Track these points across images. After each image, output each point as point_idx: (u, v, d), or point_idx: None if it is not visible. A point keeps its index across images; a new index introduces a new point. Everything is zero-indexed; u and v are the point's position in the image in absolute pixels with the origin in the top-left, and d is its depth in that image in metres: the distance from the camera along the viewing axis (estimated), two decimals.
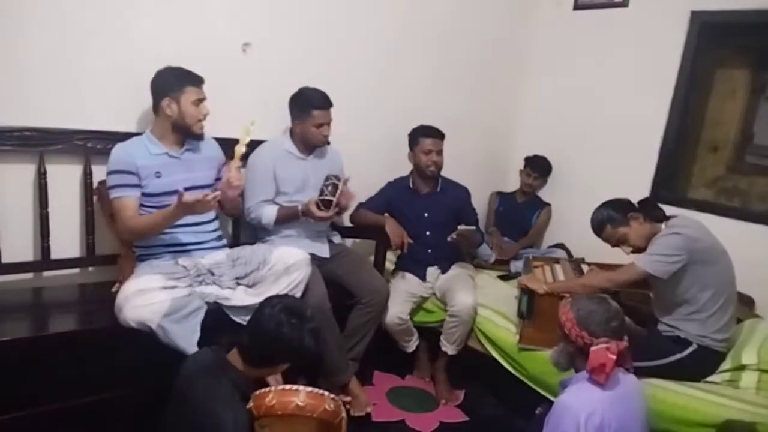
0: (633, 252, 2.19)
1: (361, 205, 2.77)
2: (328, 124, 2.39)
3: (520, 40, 3.56)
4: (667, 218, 2.17)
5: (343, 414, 1.54)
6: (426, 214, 2.77)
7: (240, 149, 1.91)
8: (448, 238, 2.60)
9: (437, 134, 2.72)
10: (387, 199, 2.81)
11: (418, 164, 2.74)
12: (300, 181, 2.43)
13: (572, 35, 3.42)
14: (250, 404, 1.47)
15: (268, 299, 1.62)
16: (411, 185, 2.82)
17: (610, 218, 2.19)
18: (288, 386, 1.51)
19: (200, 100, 2.02)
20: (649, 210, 2.19)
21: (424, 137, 2.71)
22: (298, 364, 1.56)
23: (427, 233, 2.77)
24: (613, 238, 2.21)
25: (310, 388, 1.51)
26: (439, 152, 2.72)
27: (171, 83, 1.99)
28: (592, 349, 1.49)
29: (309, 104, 2.34)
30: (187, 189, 2.04)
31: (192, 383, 1.52)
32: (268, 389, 1.49)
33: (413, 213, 2.77)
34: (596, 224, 2.24)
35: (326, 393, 1.52)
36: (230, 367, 1.55)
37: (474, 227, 2.62)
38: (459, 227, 2.58)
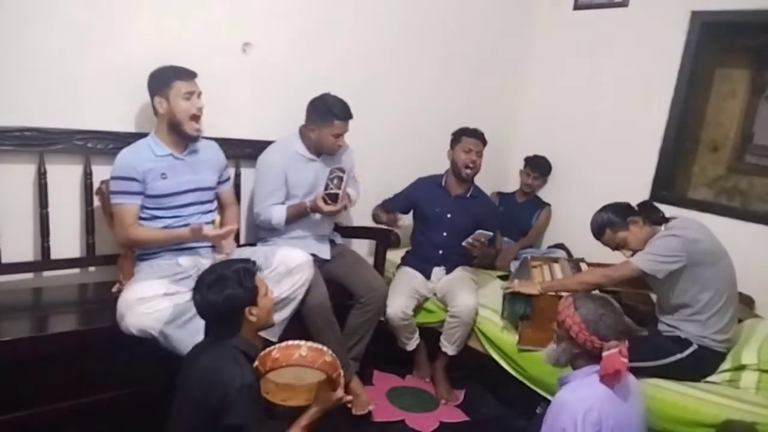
0: (633, 256, 2.19)
1: (385, 202, 2.81)
2: (344, 134, 2.40)
3: (520, 40, 3.56)
4: (666, 220, 2.17)
5: (341, 370, 1.63)
6: (449, 215, 2.77)
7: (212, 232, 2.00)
8: (464, 243, 2.59)
9: (481, 137, 2.74)
10: (409, 195, 2.85)
11: (456, 162, 2.75)
12: (310, 184, 2.42)
13: (572, 35, 3.42)
14: (256, 363, 1.56)
15: (193, 293, 1.59)
16: (443, 183, 2.82)
17: (610, 222, 2.19)
18: (290, 342, 1.64)
19: (191, 93, 1.99)
20: (649, 213, 2.19)
21: (468, 136, 2.73)
22: (251, 300, 1.58)
23: (444, 234, 2.77)
24: (613, 243, 2.21)
25: (310, 343, 1.64)
26: (479, 154, 2.72)
27: (159, 82, 1.98)
28: (605, 354, 1.49)
29: (331, 113, 2.32)
30: (190, 191, 2.07)
31: (195, 359, 1.57)
32: (272, 347, 1.61)
33: (436, 211, 2.77)
34: (596, 228, 2.24)
35: (325, 348, 1.64)
36: (231, 336, 1.60)
37: (491, 233, 2.60)
38: (477, 231, 2.56)
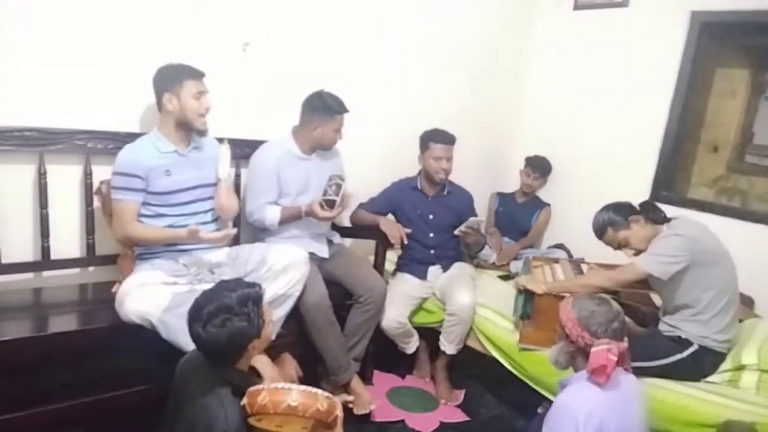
0: (635, 255, 2.19)
1: (361, 206, 2.77)
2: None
3: (521, 40, 3.56)
4: (668, 220, 2.17)
5: (337, 412, 1.51)
6: (431, 216, 2.77)
7: (224, 171, 2.07)
8: (456, 231, 2.58)
9: (449, 140, 2.68)
10: (390, 199, 2.80)
11: (427, 169, 2.72)
12: (303, 182, 2.43)
13: (572, 35, 3.42)
14: (245, 401, 1.45)
15: (190, 324, 1.46)
16: (418, 186, 2.81)
17: (611, 222, 2.19)
18: (281, 384, 1.48)
19: (201, 93, 2.01)
20: (650, 212, 2.19)
21: (436, 143, 2.67)
22: (256, 335, 1.47)
23: (431, 235, 2.77)
24: (615, 242, 2.21)
25: (303, 387, 1.48)
26: (449, 159, 2.69)
27: (170, 78, 1.98)
28: (593, 350, 1.49)
29: (332, 108, 2.34)
30: (194, 187, 2.08)
31: (187, 382, 1.52)
32: (261, 387, 1.46)
33: (418, 214, 2.76)
34: (597, 228, 2.23)
35: (320, 392, 1.48)
36: (225, 366, 1.52)
37: (482, 219, 2.59)
38: (469, 219, 2.55)
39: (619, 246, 2.21)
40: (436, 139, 2.68)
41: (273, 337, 1.65)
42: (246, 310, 1.41)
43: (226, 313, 1.39)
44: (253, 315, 1.42)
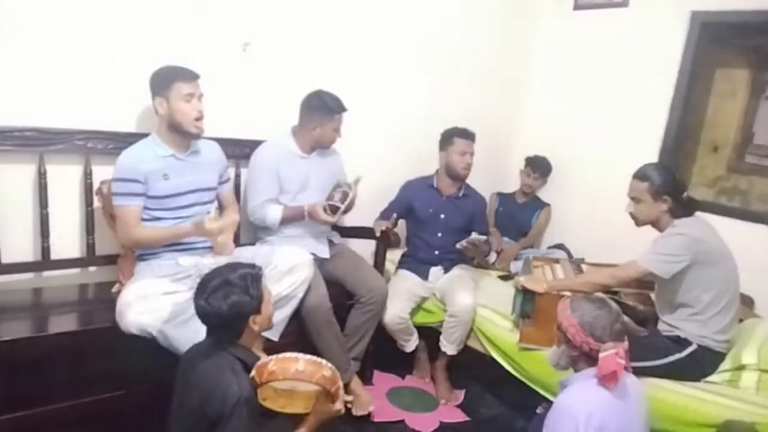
0: (631, 215, 2.16)
1: (383, 213, 2.82)
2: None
3: (521, 40, 3.56)
4: (682, 216, 2.14)
5: (340, 383, 1.58)
6: (442, 216, 2.78)
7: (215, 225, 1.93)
8: (458, 245, 2.60)
9: (471, 136, 2.75)
10: (403, 198, 2.85)
11: (452, 165, 2.75)
12: (302, 181, 2.44)
13: (572, 35, 3.42)
14: (253, 373, 1.52)
15: (195, 297, 1.55)
16: (434, 184, 2.83)
17: (652, 181, 2.11)
18: (288, 354, 1.56)
19: (191, 96, 1.97)
20: (682, 206, 2.12)
21: (460, 137, 2.73)
22: (256, 309, 1.55)
23: (439, 234, 2.78)
24: (633, 192, 2.15)
25: (309, 356, 1.56)
26: (472, 154, 2.74)
27: (160, 82, 1.97)
28: (602, 355, 1.48)
29: (330, 108, 2.37)
30: (192, 191, 2.08)
31: (194, 364, 1.56)
32: (269, 358, 1.54)
33: (430, 212, 2.78)
34: (641, 173, 2.16)
35: (324, 361, 1.56)
36: (230, 343, 1.57)
37: (485, 237, 2.63)
38: (471, 235, 2.57)
39: (632, 196, 2.17)
40: (460, 134, 2.74)
41: (273, 323, 1.72)
42: (245, 284, 1.52)
43: (227, 287, 1.50)
44: (252, 289, 1.53)
